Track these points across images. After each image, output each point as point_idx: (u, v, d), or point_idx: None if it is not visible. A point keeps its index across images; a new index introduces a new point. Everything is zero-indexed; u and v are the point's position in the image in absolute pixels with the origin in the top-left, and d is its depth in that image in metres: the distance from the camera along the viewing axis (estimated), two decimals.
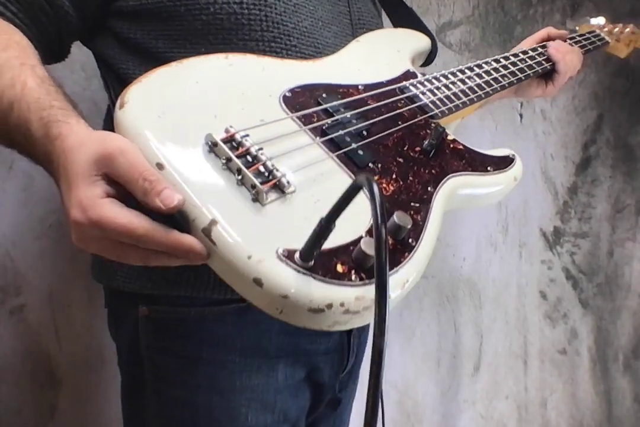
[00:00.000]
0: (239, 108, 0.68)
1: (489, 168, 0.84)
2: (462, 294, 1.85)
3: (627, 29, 1.37)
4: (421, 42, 0.97)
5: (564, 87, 1.90)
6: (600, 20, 1.34)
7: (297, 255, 0.57)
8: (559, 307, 1.99)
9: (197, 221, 0.57)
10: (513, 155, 0.89)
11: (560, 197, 1.94)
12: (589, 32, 1.27)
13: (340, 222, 0.58)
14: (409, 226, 0.64)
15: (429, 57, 0.99)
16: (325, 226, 0.56)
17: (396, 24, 1.04)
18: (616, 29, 1.35)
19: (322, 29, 0.87)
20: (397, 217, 0.63)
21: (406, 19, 1.03)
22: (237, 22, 0.79)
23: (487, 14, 1.80)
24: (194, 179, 0.59)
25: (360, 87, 0.81)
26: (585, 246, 1.99)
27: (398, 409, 1.80)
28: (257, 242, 0.57)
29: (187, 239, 0.57)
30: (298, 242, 0.57)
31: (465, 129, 1.75)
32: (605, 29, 1.33)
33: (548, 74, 1.13)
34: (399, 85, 0.84)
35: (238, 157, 0.61)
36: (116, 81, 0.83)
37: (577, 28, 1.33)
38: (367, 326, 1.08)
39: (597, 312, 2.03)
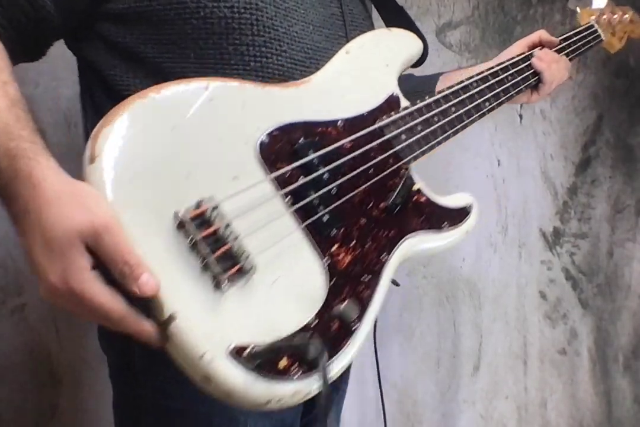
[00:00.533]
0: (213, 162, 0.67)
1: (444, 224, 0.87)
2: (462, 294, 1.85)
3: (626, 16, 1.34)
4: (413, 48, 0.95)
5: (563, 88, 1.90)
6: (601, 2, 1.31)
7: (246, 353, 0.60)
8: (558, 308, 1.99)
9: (156, 312, 0.58)
10: (470, 205, 0.91)
11: (560, 198, 1.95)
12: (586, 28, 1.25)
13: (284, 311, 0.65)
14: (355, 317, 0.70)
15: (420, 60, 0.97)
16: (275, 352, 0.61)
17: (388, 22, 1.02)
18: (615, 16, 1.32)
19: (313, 33, 0.86)
20: (345, 309, 0.69)
21: (398, 18, 1.01)
22: (228, 26, 0.77)
23: (487, 14, 1.80)
24: (158, 265, 0.59)
25: (339, 123, 0.80)
26: (585, 246, 1.99)
27: (398, 409, 1.80)
28: (211, 339, 0.60)
29: (148, 330, 0.58)
30: (253, 333, 0.62)
31: (465, 130, 1.75)
32: (604, 17, 1.30)
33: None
34: (378, 125, 0.83)
35: (204, 238, 0.61)
36: (100, 88, 0.81)
37: (577, 10, 1.30)
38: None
39: (597, 312, 2.03)
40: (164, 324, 0.58)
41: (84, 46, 0.82)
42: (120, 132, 0.62)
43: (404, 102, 0.89)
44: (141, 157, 0.62)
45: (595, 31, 1.27)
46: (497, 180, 1.86)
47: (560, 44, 1.16)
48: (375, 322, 0.75)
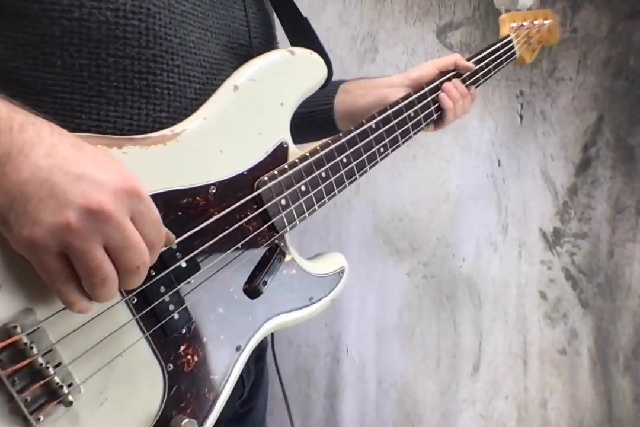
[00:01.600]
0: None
1: (311, 299, 0.81)
2: (462, 294, 1.86)
3: (547, 23, 1.24)
4: (317, 76, 0.83)
5: (564, 88, 1.90)
6: (527, 0, 1.23)
7: None
8: (558, 308, 1.99)
9: None
10: (342, 270, 0.85)
11: (560, 198, 1.95)
12: (504, 43, 1.16)
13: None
14: None
15: (323, 85, 0.86)
16: None
17: (290, 35, 0.90)
18: (535, 23, 1.23)
19: (211, 42, 0.75)
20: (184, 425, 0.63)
21: (300, 32, 0.88)
22: (110, 33, 0.64)
23: (488, 15, 1.80)
24: None
25: (211, 189, 0.68)
26: (585, 246, 2.00)
27: (398, 409, 1.81)
28: None
29: (79, 302, 0.52)
30: None
31: (465, 130, 1.76)
32: (525, 24, 1.20)
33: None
34: (256, 193, 0.72)
35: (12, 374, 0.51)
36: None
37: (502, 10, 1.21)
38: (264, 351, 1.01)
39: (597, 312, 2.03)
40: None
41: None
42: None
43: (293, 153, 0.79)
44: None
45: (512, 47, 1.18)
46: (497, 180, 1.86)
47: (475, 71, 1.07)
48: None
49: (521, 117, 1.86)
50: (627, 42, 1.88)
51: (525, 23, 1.22)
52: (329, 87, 0.97)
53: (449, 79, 1.05)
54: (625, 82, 1.97)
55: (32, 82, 0.64)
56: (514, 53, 1.20)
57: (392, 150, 0.92)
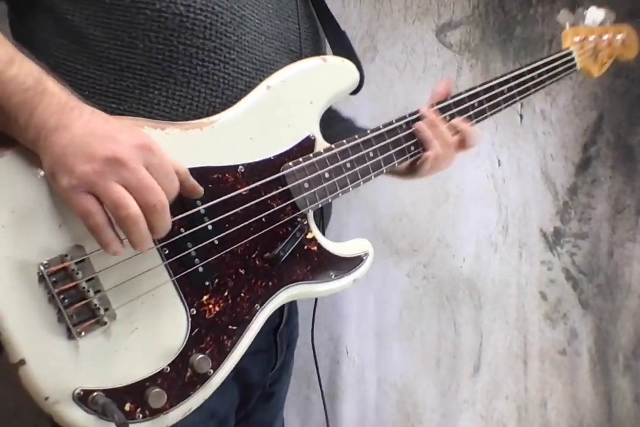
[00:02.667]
0: None
1: (331, 274, 0.86)
2: (462, 294, 1.85)
3: (619, 37, 1.22)
4: (347, 81, 0.90)
5: (564, 88, 1.90)
6: (598, 15, 1.21)
7: (91, 397, 0.65)
8: (558, 308, 1.99)
9: (10, 356, 0.62)
10: (366, 254, 0.90)
11: (560, 198, 1.94)
12: (560, 55, 1.15)
13: (138, 359, 0.68)
14: (208, 368, 0.73)
15: (355, 90, 0.92)
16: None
17: (333, 48, 0.99)
18: (604, 38, 1.22)
19: (264, 44, 0.85)
20: (199, 361, 0.72)
21: (339, 42, 0.98)
22: (182, 24, 0.76)
23: (487, 14, 1.80)
24: (16, 312, 0.62)
25: (240, 169, 0.78)
26: (585, 246, 1.99)
27: (398, 409, 1.80)
28: (57, 384, 0.64)
29: (112, 240, 0.63)
30: (101, 379, 0.66)
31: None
32: (591, 39, 1.19)
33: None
34: (281, 173, 0.81)
35: (62, 292, 0.64)
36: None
37: (567, 26, 1.20)
38: (296, 320, 1.08)
39: (597, 312, 2.02)
40: (14, 366, 0.63)
41: (30, 16, 0.80)
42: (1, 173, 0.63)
43: (320, 145, 0.85)
44: (16, 202, 0.63)
45: (572, 59, 1.18)
46: (498, 180, 1.85)
47: (525, 80, 1.08)
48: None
49: (521, 116, 1.86)
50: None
51: (591, 37, 1.21)
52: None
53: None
54: (625, 81, 1.97)
55: (119, 60, 0.77)
56: (574, 65, 1.20)
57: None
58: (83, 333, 0.65)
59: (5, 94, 0.62)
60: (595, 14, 1.22)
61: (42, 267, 0.63)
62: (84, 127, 0.63)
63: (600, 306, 2.02)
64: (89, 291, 0.66)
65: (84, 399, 0.65)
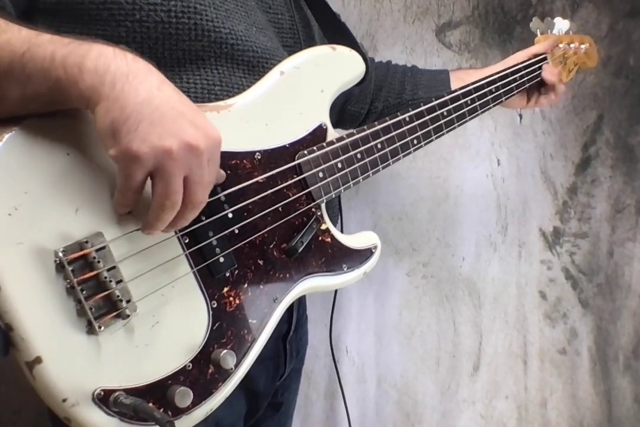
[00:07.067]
0: (107, 195, 0.63)
1: (344, 266, 0.86)
2: (462, 294, 1.85)
3: (583, 47, 1.31)
4: (355, 71, 0.90)
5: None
6: (564, 25, 1.29)
7: (113, 397, 0.60)
8: (558, 307, 1.99)
9: (22, 353, 0.57)
10: (375, 246, 0.90)
11: (559, 197, 1.94)
12: (538, 60, 1.22)
13: (160, 355, 0.64)
14: (232, 364, 0.69)
15: (360, 81, 0.93)
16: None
17: (329, 38, 0.98)
18: (571, 46, 1.29)
19: (258, 33, 0.84)
20: (223, 357, 0.68)
21: (340, 34, 0.97)
22: (165, 31, 0.74)
23: (487, 14, 1.80)
24: (32, 306, 0.57)
25: (257, 155, 0.76)
26: (585, 246, 1.99)
27: (398, 409, 1.81)
28: (77, 384, 0.58)
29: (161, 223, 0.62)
30: (123, 377, 0.61)
31: (464, 129, 1.75)
32: (561, 46, 1.27)
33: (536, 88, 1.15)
34: (297, 162, 0.80)
35: (82, 282, 0.59)
36: None
37: (537, 33, 1.28)
38: (306, 327, 1.07)
39: (597, 312, 2.02)
40: (28, 364, 0.57)
41: None
42: (8, 155, 0.57)
43: (331, 135, 0.85)
44: (28, 184, 0.58)
45: (539, 66, 1.24)
46: (497, 180, 1.85)
47: (508, 82, 1.14)
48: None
49: (520, 116, 1.86)
50: (627, 41, 1.88)
51: (561, 45, 1.30)
52: (440, 75, 1.14)
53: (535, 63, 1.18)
54: (625, 81, 1.97)
55: None
56: (539, 73, 1.26)
57: (436, 137, 0.99)
58: (102, 327, 0.60)
59: (46, 53, 0.57)
60: (561, 24, 1.31)
61: (61, 254, 0.58)
62: (160, 89, 0.59)
63: (600, 305, 2.02)
64: (110, 281, 0.61)
65: (104, 399, 0.60)
